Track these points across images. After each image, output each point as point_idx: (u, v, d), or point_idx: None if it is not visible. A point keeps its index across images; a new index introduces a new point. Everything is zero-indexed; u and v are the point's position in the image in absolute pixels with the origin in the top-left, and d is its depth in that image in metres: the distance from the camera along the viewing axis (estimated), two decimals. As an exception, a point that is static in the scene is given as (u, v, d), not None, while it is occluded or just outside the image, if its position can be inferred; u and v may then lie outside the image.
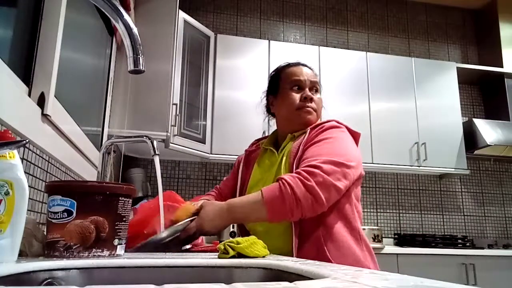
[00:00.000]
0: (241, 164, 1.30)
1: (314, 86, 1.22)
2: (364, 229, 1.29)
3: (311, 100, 1.19)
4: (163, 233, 0.94)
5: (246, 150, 1.35)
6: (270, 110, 1.31)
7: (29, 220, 0.66)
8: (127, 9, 1.92)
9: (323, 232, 1.03)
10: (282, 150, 1.19)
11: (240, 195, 1.24)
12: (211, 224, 0.97)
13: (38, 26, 1.02)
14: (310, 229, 1.04)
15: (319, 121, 1.21)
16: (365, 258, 1.05)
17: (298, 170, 0.99)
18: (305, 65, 1.27)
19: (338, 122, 1.17)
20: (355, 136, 1.18)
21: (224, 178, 1.40)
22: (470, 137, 3.24)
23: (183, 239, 0.97)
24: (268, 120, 1.34)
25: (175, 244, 0.95)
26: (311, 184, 0.95)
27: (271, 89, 1.29)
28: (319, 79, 1.26)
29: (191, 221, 0.97)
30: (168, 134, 2.41)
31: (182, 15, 2.72)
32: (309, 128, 1.16)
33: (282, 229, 1.07)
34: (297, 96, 1.19)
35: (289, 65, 1.27)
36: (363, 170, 1.15)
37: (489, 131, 3.19)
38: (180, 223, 0.96)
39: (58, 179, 1.11)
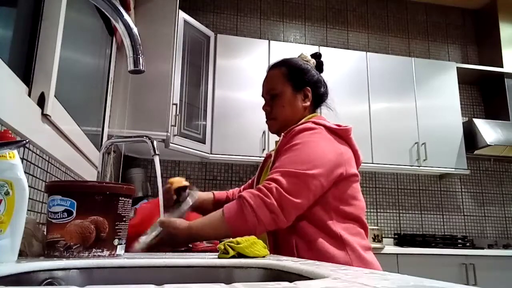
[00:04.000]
0: (259, 167, 1.32)
1: (271, 94, 1.22)
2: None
3: (267, 112, 1.23)
4: (149, 236, 0.99)
5: (266, 154, 1.35)
6: None
7: (29, 220, 0.66)
8: (127, 9, 1.92)
9: (296, 240, 1.02)
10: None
11: None
12: (173, 241, 0.99)
13: (38, 26, 1.01)
14: (284, 238, 1.03)
15: (304, 120, 1.17)
16: (349, 263, 0.99)
17: (259, 185, 0.98)
18: (270, 68, 1.27)
19: (314, 123, 1.11)
20: (340, 133, 1.12)
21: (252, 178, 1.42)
22: (470, 137, 3.24)
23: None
24: None
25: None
26: (270, 202, 0.94)
27: None
28: (286, 74, 1.21)
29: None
30: (168, 134, 2.41)
31: (182, 15, 2.72)
32: (283, 133, 1.13)
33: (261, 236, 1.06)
34: (263, 110, 1.26)
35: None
36: (354, 168, 1.10)
37: (489, 131, 3.19)
38: (154, 232, 1.02)
39: (58, 179, 1.11)
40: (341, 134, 1.12)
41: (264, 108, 1.24)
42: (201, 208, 1.30)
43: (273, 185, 0.96)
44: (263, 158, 1.34)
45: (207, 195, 1.36)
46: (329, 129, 1.11)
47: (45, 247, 0.69)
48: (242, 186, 1.43)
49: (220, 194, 1.39)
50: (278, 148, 1.10)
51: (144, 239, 0.99)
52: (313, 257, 0.95)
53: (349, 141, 1.13)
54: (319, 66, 1.28)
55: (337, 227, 1.03)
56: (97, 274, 0.61)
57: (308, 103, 1.20)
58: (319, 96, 1.24)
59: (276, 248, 1.05)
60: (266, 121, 1.25)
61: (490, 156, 3.42)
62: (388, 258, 2.57)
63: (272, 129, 1.24)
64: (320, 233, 1.02)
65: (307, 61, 1.25)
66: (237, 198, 0.99)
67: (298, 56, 1.27)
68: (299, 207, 0.98)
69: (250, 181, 1.40)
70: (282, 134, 1.13)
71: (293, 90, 1.20)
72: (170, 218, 1.04)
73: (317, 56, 1.29)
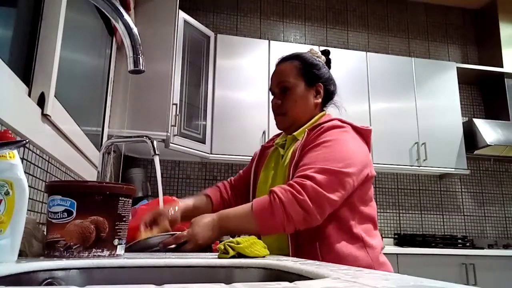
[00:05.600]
0: (255, 159, 1.27)
1: (282, 87, 1.16)
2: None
3: (277, 106, 1.17)
4: (156, 239, 0.95)
5: (262, 145, 1.31)
6: None
7: (29, 220, 0.66)
8: (127, 9, 1.92)
9: (319, 242, 1.00)
10: (286, 151, 1.15)
11: (253, 191, 1.22)
12: (203, 236, 0.94)
13: (38, 26, 1.01)
14: (306, 239, 1.01)
15: (324, 119, 1.13)
16: (371, 265, 0.99)
17: (290, 181, 0.95)
18: (281, 61, 1.21)
19: (341, 121, 1.09)
20: (364, 133, 1.11)
21: (241, 171, 1.35)
22: (470, 137, 3.24)
23: (173, 247, 0.95)
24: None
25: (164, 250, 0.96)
26: (303, 199, 0.90)
27: None
28: (300, 68, 1.16)
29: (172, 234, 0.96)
30: (168, 134, 2.41)
31: (182, 15, 2.72)
32: (307, 129, 1.11)
33: (278, 236, 1.04)
34: (272, 104, 1.20)
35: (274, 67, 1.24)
36: (374, 170, 1.10)
37: (489, 131, 3.19)
38: (168, 233, 0.98)
39: (58, 179, 1.11)
40: (364, 135, 1.11)
41: (274, 101, 1.18)
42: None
43: (308, 182, 0.92)
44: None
45: (201, 201, 1.25)
46: (355, 129, 1.10)
47: (45, 247, 0.69)
48: (230, 179, 1.36)
49: (216, 197, 1.28)
50: (303, 144, 1.06)
51: (149, 241, 0.96)
52: (335, 260, 0.94)
53: (369, 142, 1.12)
54: (328, 63, 1.25)
55: (358, 228, 1.02)
56: (97, 274, 0.61)
57: (319, 100, 1.17)
58: (329, 93, 1.21)
59: (297, 251, 1.01)
60: (275, 116, 1.18)
61: (490, 156, 3.42)
62: (388, 258, 2.56)
63: (281, 125, 1.18)
64: (343, 234, 1.01)
65: (318, 57, 1.22)
66: (268, 192, 0.95)
67: (309, 52, 1.23)
68: (334, 205, 0.96)
69: (241, 172, 1.34)
70: (306, 130, 1.10)
71: (306, 85, 1.15)
72: (195, 218, 0.99)
73: (326, 53, 1.26)
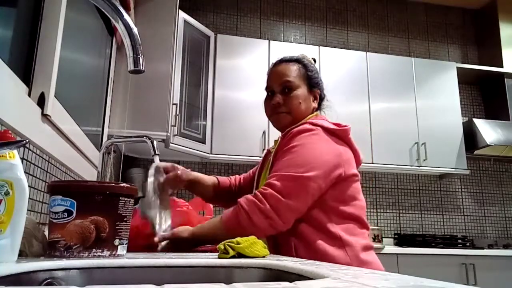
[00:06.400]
0: (260, 163, 1.29)
1: (286, 86, 1.15)
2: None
3: (279, 105, 1.15)
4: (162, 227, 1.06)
5: (267, 149, 1.33)
6: None
7: (29, 220, 0.66)
8: (127, 9, 1.92)
9: (295, 241, 1.02)
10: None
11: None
12: (179, 249, 1.00)
13: (38, 26, 1.02)
14: (284, 239, 1.03)
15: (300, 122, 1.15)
16: (349, 264, 0.98)
17: (256, 191, 0.99)
18: (282, 61, 1.21)
19: (311, 124, 1.09)
20: (338, 133, 1.09)
21: (251, 170, 1.39)
22: (470, 137, 3.24)
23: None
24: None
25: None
26: (264, 208, 0.94)
27: None
28: (303, 72, 1.17)
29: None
30: (168, 134, 2.41)
31: (182, 15, 2.72)
32: (281, 134, 1.13)
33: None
34: (270, 103, 1.19)
35: (271, 67, 1.24)
36: (354, 168, 1.09)
37: (489, 131, 3.19)
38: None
39: (58, 179, 1.11)
40: (339, 134, 1.10)
41: (274, 100, 1.16)
42: (199, 190, 1.33)
43: (269, 190, 0.96)
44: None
45: (210, 178, 1.37)
46: (326, 130, 1.09)
47: (47, 247, 0.69)
48: (242, 175, 1.40)
49: (224, 181, 1.37)
50: (276, 149, 1.09)
51: (160, 231, 1.03)
52: (312, 258, 0.95)
53: (348, 141, 1.11)
54: None
55: (336, 228, 1.02)
56: (97, 274, 0.61)
57: (316, 105, 1.20)
58: (321, 100, 1.24)
59: (275, 249, 1.05)
60: (273, 115, 1.18)
61: (490, 156, 3.42)
62: (388, 258, 2.57)
63: (280, 124, 1.18)
64: (319, 234, 1.01)
65: (313, 65, 1.25)
66: (235, 204, 1.01)
67: (304, 58, 1.24)
68: (297, 210, 0.98)
69: (251, 171, 1.37)
70: (280, 136, 1.13)
71: (308, 89, 1.18)
72: (174, 230, 1.05)
73: (314, 61, 1.29)
